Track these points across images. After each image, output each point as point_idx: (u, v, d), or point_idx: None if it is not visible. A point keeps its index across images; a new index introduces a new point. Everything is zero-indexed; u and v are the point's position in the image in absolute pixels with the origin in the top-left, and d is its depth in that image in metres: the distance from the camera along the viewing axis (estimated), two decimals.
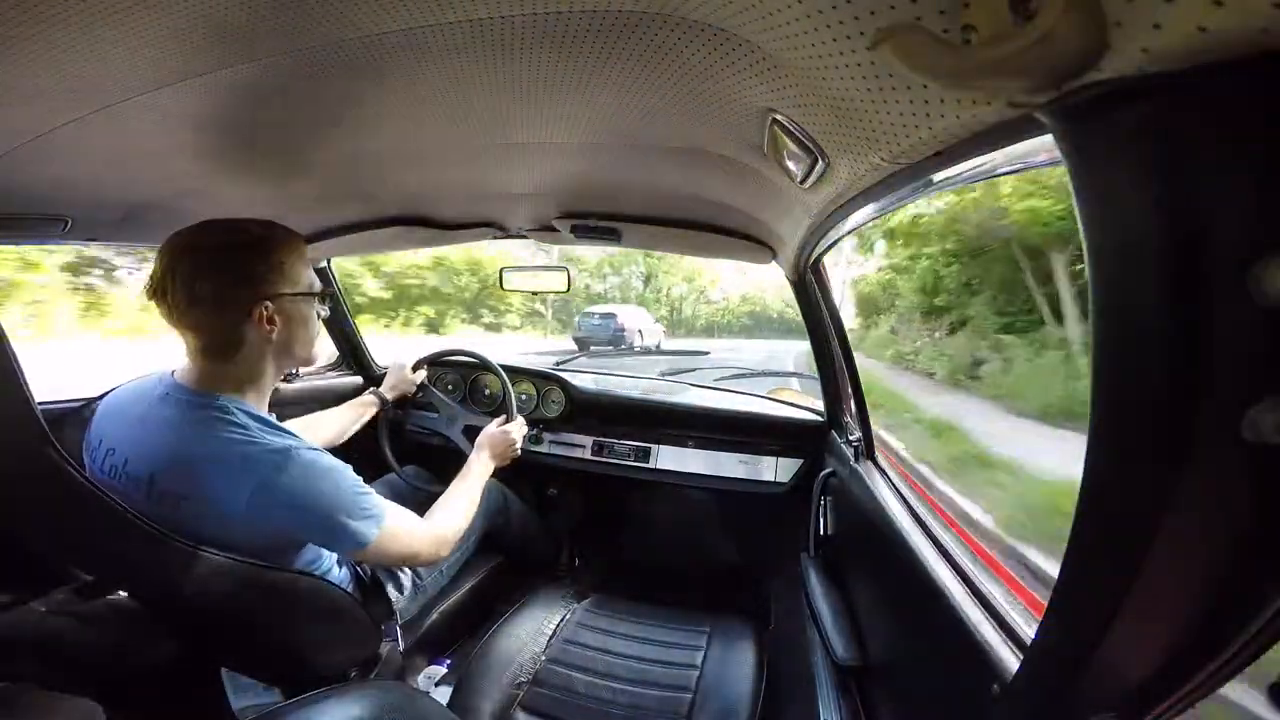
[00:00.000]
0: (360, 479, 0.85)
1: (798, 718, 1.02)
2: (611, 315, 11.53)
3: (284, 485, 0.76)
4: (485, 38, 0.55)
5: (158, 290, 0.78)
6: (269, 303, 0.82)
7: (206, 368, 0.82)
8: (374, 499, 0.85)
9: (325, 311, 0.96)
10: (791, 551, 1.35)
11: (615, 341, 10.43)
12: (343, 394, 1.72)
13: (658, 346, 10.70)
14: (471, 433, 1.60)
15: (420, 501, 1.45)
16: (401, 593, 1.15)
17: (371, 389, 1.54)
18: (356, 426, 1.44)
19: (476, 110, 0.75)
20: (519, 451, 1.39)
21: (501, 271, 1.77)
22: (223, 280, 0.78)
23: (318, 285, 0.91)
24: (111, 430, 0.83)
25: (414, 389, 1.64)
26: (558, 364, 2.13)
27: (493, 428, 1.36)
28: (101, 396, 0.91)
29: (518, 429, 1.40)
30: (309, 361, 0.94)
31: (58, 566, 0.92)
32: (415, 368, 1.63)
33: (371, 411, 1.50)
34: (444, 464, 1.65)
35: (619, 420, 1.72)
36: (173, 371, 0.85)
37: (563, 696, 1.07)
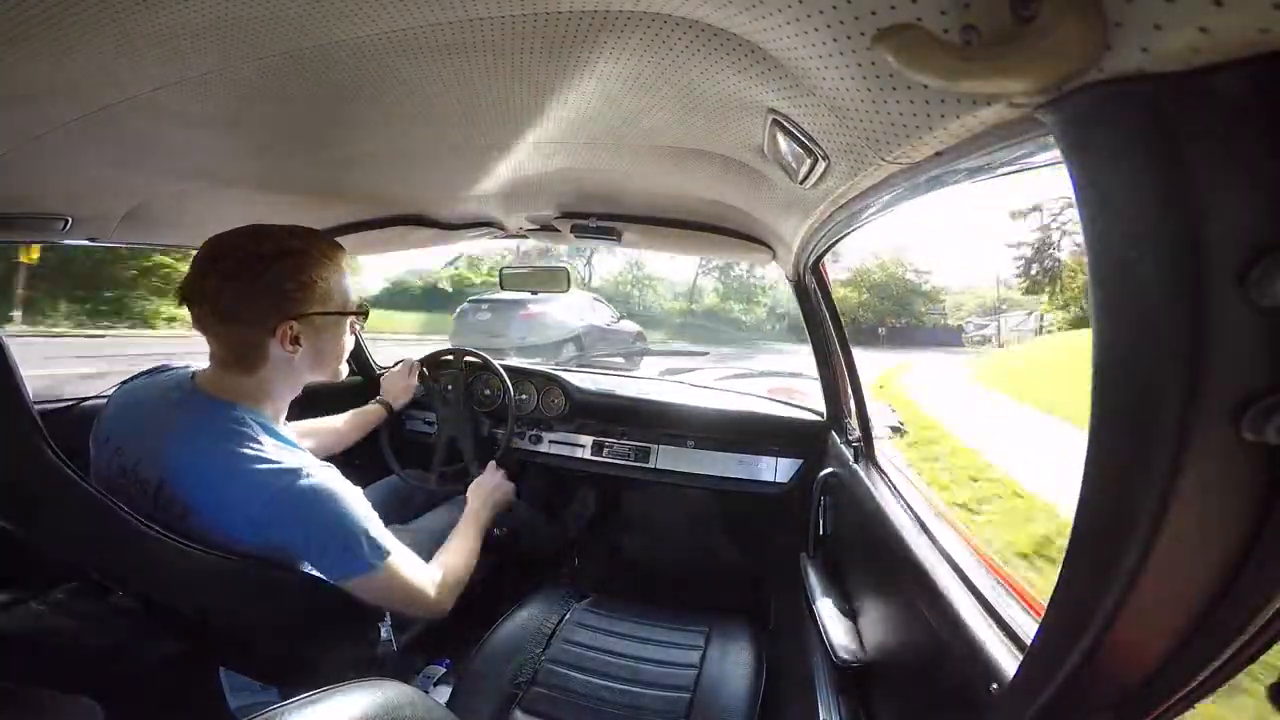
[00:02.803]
0: (372, 509, 0.82)
1: (797, 718, 1.02)
2: (514, 304, 6.96)
3: (291, 505, 0.75)
4: (485, 38, 0.55)
5: (187, 296, 0.77)
6: (295, 322, 0.80)
7: (227, 377, 0.81)
8: (383, 533, 0.82)
9: (360, 326, 0.94)
10: (791, 551, 1.35)
11: (525, 350, 6.48)
12: (340, 393, 1.72)
13: (631, 348, 6.85)
14: (454, 446, 1.64)
15: (419, 504, 1.46)
16: None
17: (377, 398, 1.55)
18: (361, 434, 1.44)
19: (477, 110, 0.75)
20: (512, 491, 1.37)
21: (501, 272, 1.77)
22: (249, 295, 0.77)
23: (353, 300, 0.89)
24: (122, 429, 0.81)
25: (412, 394, 1.64)
26: (558, 364, 2.13)
27: (485, 476, 1.33)
28: (100, 395, 0.90)
29: (501, 474, 1.37)
30: (336, 378, 0.92)
31: (57, 566, 0.92)
32: (410, 372, 1.63)
33: (378, 420, 1.50)
34: (445, 465, 1.65)
35: (619, 420, 1.72)
36: (193, 375, 0.84)
37: (562, 696, 1.07)
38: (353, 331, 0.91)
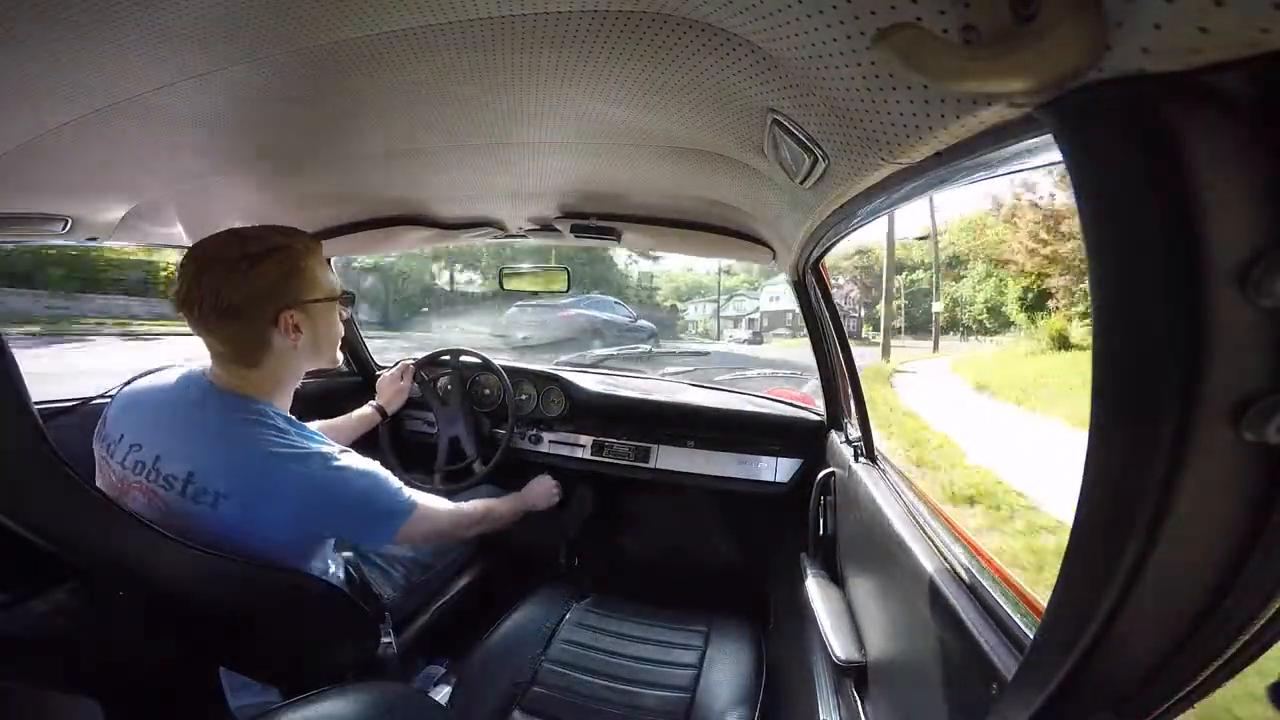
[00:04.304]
0: (389, 472, 0.91)
1: (797, 718, 1.02)
2: (553, 306, 7.69)
3: (327, 490, 0.81)
4: (486, 38, 0.55)
5: (184, 302, 0.80)
6: (293, 310, 0.84)
7: (236, 373, 0.84)
8: (406, 490, 0.92)
9: (347, 313, 0.99)
10: (791, 551, 1.35)
11: (562, 346, 6.91)
12: (339, 393, 1.72)
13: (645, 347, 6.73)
14: (456, 446, 1.67)
15: None
16: (396, 590, 1.16)
17: (371, 403, 1.57)
18: (356, 436, 1.47)
19: (477, 110, 0.75)
20: (557, 494, 1.51)
21: (501, 272, 1.77)
22: (248, 291, 0.80)
23: (338, 287, 0.93)
24: (136, 426, 0.83)
25: (406, 395, 1.65)
26: (557, 363, 2.13)
27: (545, 479, 1.50)
28: (102, 395, 0.91)
29: (554, 483, 1.53)
30: (334, 363, 0.96)
31: (57, 566, 0.92)
32: (404, 375, 1.64)
33: (372, 424, 1.53)
34: (448, 465, 1.65)
35: (619, 420, 1.72)
36: (203, 372, 0.86)
37: (561, 696, 1.07)
38: (343, 318, 0.96)
